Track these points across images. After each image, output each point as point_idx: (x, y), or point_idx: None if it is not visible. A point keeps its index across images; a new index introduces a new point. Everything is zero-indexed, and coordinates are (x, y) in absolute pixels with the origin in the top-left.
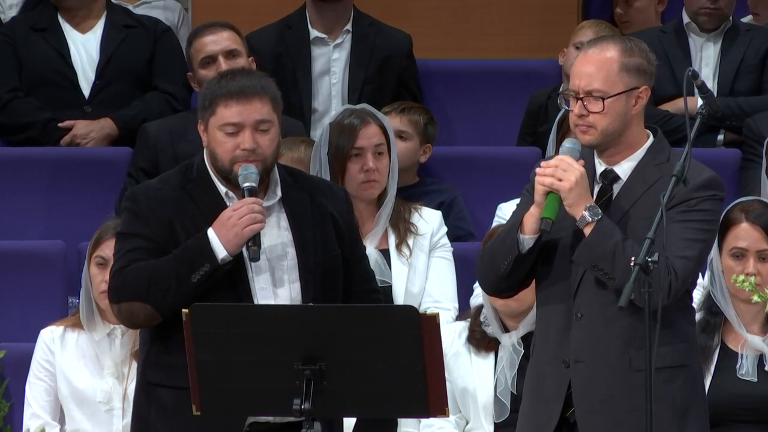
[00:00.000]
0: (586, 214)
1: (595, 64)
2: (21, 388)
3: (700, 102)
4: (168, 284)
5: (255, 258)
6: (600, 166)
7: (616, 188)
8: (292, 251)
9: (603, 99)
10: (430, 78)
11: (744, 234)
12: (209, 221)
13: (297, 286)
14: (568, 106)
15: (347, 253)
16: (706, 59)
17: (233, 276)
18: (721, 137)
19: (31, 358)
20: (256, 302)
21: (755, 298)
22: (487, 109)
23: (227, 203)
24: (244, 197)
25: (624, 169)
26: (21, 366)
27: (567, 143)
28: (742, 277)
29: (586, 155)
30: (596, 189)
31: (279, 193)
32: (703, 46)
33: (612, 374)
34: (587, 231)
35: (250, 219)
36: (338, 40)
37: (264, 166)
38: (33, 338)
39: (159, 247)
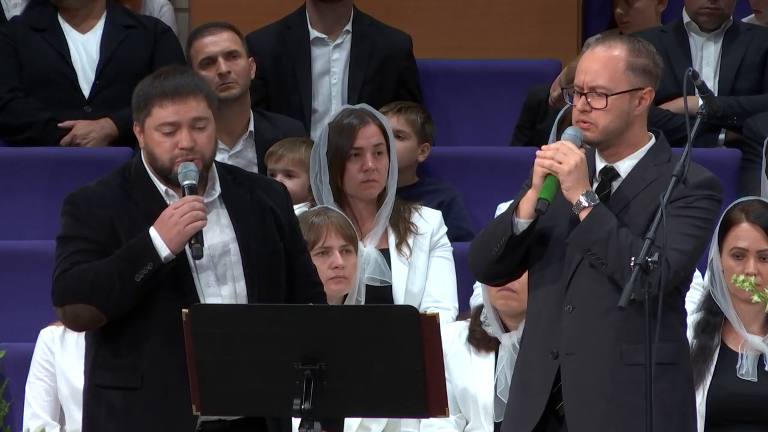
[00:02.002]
0: (583, 198)
1: (601, 62)
2: (21, 388)
3: (700, 102)
4: (112, 284)
5: (198, 255)
6: (600, 164)
7: (615, 185)
8: (234, 247)
9: (606, 96)
10: (429, 78)
11: (744, 234)
12: (150, 220)
13: (242, 281)
14: (572, 102)
15: (289, 247)
16: (706, 59)
17: (177, 275)
18: (722, 137)
19: (31, 358)
20: (201, 300)
21: (755, 298)
22: (486, 109)
23: (167, 202)
24: (184, 195)
25: (624, 167)
26: (21, 366)
27: (570, 130)
28: (742, 277)
29: (587, 152)
30: (595, 185)
31: (218, 190)
32: (703, 45)
33: (603, 368)
34: (583, 216)
35: (191, 217)
36: (338, 41)
37: (203, 162)
38: (33, 338)
39: (101, 248)
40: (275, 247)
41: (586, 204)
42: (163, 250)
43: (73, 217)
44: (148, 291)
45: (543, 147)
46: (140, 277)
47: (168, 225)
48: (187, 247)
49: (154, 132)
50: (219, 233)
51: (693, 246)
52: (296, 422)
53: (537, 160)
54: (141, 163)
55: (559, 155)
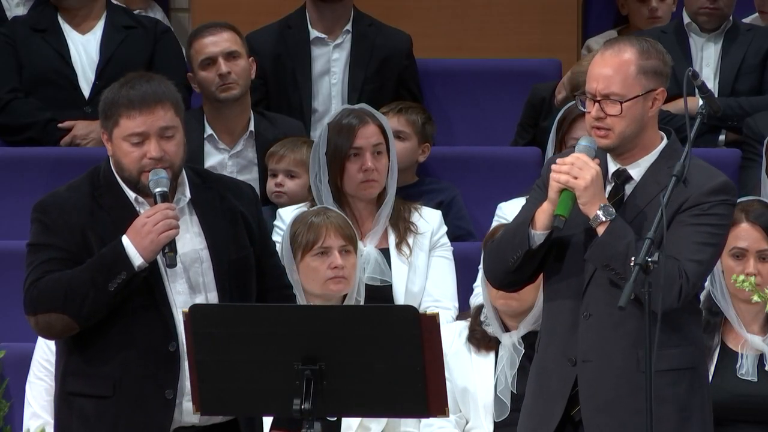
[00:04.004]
0: (600, 213)
1: (612, 67)
2: (21, 388)
3: (700, 102)
4: (85, 294)
5: (172, 264)
6: (613, 166)
7: (629, 188)
8: (205, 253)
9: (621, 102)
10: (430, 78)
11: (744, 234)
12: (122, 228)
13: (213, 287)
14: (584, 108)
15: (258, 251)
16: (706, 59)
17: (149, 283)
18: (722, 137)
19: (31, 358)
20: (174, 308)
21: (755, 298)
22: (486, 109)
23: (138, 209)
24: (156, 203)
25: (637, 170)
26: (21, 366)
27: (583, 141)
28: (742, 277)
29: (599, 155)
30: (608, 188)
31: (188, 195)
32: (703, 46)
33: (619, 375)
34: (600, 230)
35: (165, 225)
36: (338, 40)
37: (173, 171)
38: (33, 338)
39: (73, 256)
40: (245, 252)
41: (604, 219)
42: (137, 259)
43: (43, 225)
44: (121, 299)
45: (558, 161)
46: (113, 286)
47: (141, 234)
48: (159, 256)
49: (122, 142)
50: (190, 240)
51: (710, 255)
52: (267, 422)
53: (553, 175)
54: (110, 170)
55: (575, 170)
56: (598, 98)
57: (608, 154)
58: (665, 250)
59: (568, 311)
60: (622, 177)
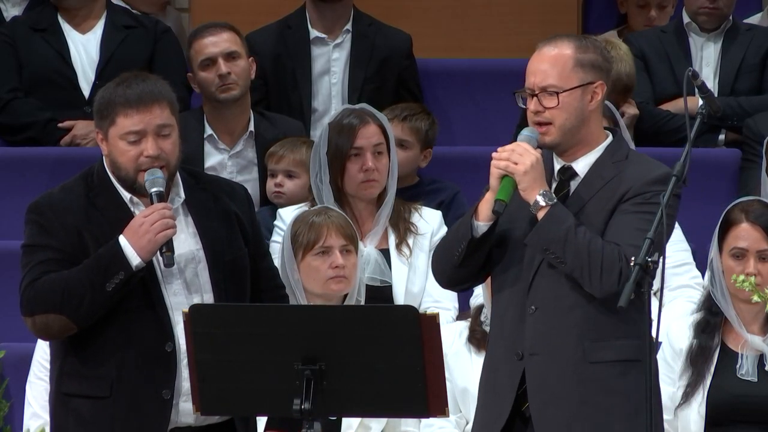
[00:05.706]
0: (540, 198)
1: (549, 61)
2: (21, 388)
3: (700, 102)
4: (83, 294)
5: (170, 264)
6: (558, 164)
7: (573, 184)
8: (200, 254)
9: (557, 93)
10: (430, 78)
11: (744, 234)
12: (117, 229)
13: (209, 288)
14: (525, 105)
15: (252, 252)
16: (706, 59)
17: (145, 283)
18: (722, 137)
19: (31, 358)
20: (170, 309)
21: (755, 298)
22: (487, 109)
23: (132, 209)
24: (152, 202)
25: (582, 166)
26: (21, 366)
27: (525, 131)
28: (742, 277)
29: (545, 154)
30: (554, 186)
31: (182, 195)
32: (703, 45)
33: (567, 367)
34: (540, 215)
35: (162, 225)
36: (338, 40)
37: (169, 170)
38: (33, 338)
39: (69, 257)
40: (240, 253)
41: (543, 203)
42: (134, 259)
43: (39, 226)
44: (118, 300)
45: (498, 149)
46: (111, 286)
47: (138, 233)
48: (157, 256)
49: (119, 141)
50: (185, 241)
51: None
52: (261, 423)
53: (493, 162)
54: (104, 171)
55: (515, 156)
56: (536, 92)
57: (554, 153)
58: (663, 251)
59: (514, 305)
60: (568, 174)
